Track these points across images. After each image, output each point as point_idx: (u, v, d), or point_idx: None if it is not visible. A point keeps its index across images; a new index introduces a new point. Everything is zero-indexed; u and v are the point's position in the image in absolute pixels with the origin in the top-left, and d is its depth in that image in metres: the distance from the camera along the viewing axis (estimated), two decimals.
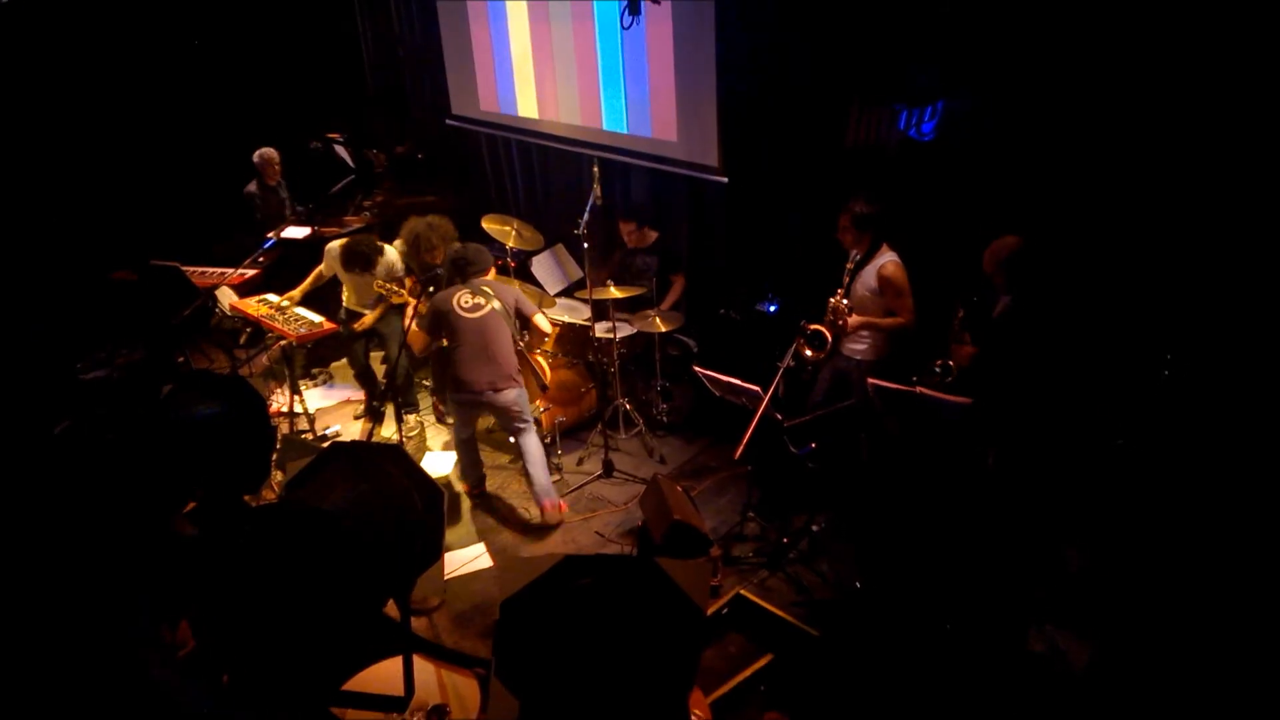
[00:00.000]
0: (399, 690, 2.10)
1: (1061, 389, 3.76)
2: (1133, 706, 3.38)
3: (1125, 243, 4.05)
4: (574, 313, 6.01)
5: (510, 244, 6.02)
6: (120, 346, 6.08)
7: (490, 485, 5.36)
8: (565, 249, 6.90)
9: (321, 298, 5.94)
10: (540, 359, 5.27)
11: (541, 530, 4.97)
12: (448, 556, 4.70)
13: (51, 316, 5.99)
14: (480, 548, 4.84)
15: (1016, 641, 3.76)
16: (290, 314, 5.64)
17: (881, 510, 4.57)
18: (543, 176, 7.75)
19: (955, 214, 4.59)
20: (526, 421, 4.89)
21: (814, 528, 4.60)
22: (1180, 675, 3.31)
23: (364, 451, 1.94)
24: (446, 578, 4.52)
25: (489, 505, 5.24)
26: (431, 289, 4.99)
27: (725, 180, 5.64)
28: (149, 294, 6.02)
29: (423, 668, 2.76)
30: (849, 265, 4.44)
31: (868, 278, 4.44)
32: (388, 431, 5.86)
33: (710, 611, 4.07)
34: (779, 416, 4.28)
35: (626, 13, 4.93)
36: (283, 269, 6.61)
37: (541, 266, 6.68)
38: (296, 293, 5.81)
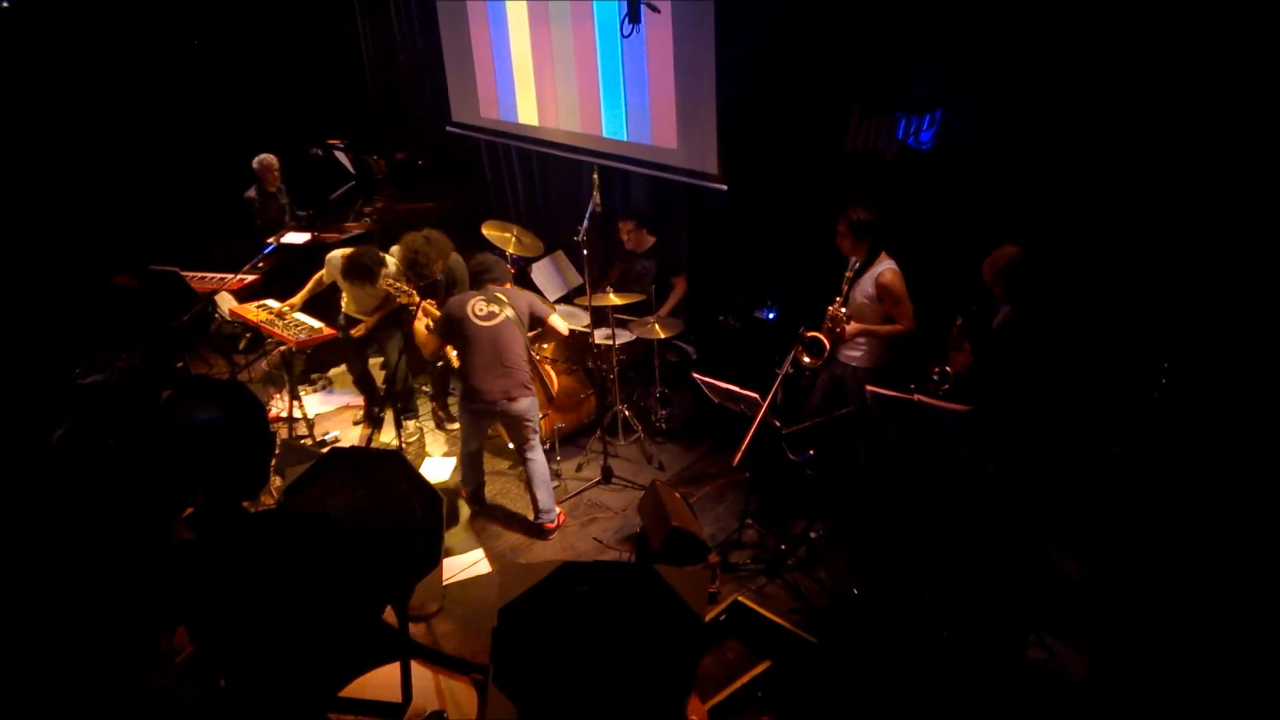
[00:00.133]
0: (397, 696, 2.10)
1: (1060, 398, 3.76)
2: (1129, 715, 3.38)
3: (1124, 252, 4.06)
4: (573, 319, 6.01)
5: (510, 250, 6.02)
6: (119, 351, 6.07)
7: (489, 491, 5.36)
8: (565, 255, 6.91)
9: (321, 303, 5.94)
10: (550, 369, 5.26)
11: (540, 536, 4.97)
12: (446, 562, 4.70)
13: (51, 320, 6.00)
14: (479, 554, 4.84)
15: (1013, 650, 3.76)
16: (290, 319, 5.64)
17: (879, 518, 4.57)
18: (543, 182, 7.77)
19: (954, 222, 4.60)
20: (536, 432, 4.88)
21: (812, 535, 4.60)
22: (1177, 686, 3.30)
23: (363, 457, 1.95)
24: (445, 584, 4.51)
25: (488, 511, 5.23)
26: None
27: (725, 188, 5.65)
28: (148, 299, 6.02)
29: (421, 674, 2.76)
30: (848, 273, 4.45)
31: (866, 285, 4.45)
32: (387, 437, 5.85)
33: (708, 618, 4.07)
34: (777, 423, 4.29)
35: (627, 20, 4.95)
36: (282, 274, 6.61)
37: (541, 273, 6.69)
38: (297, 299, 5.81)
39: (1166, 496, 3.72)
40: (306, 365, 6.84)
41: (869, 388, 3.96)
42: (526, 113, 7.26)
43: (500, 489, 5.45)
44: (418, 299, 5.05)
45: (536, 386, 4.99)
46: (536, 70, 6.97)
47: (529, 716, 1.33)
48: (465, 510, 5.22)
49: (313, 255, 6.37)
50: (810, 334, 4.48)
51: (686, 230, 6.35)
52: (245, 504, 2.15)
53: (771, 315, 5.56)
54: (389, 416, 5.79)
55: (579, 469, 5.63)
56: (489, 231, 6.12)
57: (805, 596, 4.30)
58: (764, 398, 4.17)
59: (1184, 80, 3.73)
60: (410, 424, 6.03)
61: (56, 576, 1.67)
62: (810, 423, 4.49)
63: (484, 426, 5.00)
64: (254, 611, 1.56)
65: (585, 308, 5.57)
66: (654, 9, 5.04)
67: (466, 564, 4.74)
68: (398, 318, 5.70)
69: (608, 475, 5.43)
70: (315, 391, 6.81)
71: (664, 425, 5.97)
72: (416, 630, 4.22)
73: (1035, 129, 4.23)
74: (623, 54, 6.05)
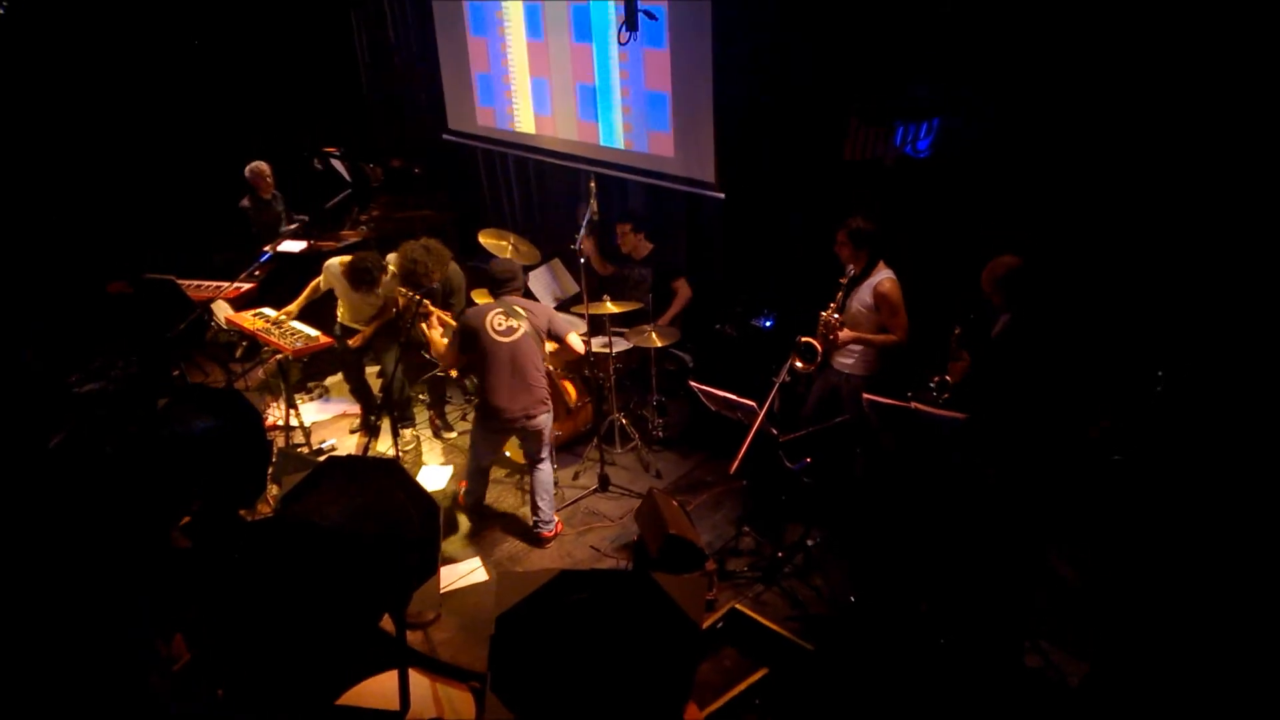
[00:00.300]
0: (394, 705, 2.10)
1: (1060, 406, 3.77)
2: None
3: (1122, 260, 4.07)
4: (571, 327, 6.01)
5: (507, 258, 6.02)
6: (115, 359, 6.06)
7: (487, 499, 5.35)
8: (561, 263, 6.91)
9: (317, 312, 5.94)
10: (568, 384, 5.22)
11: (538, 544, 4.97)
12: (444, 570, 4.69)
13: (46, 327, 5.98)
14: (476, 562, 4.83)
15: (1011, 657, 3.76)
16: (286, 328, 5.64)
17: (876, 525, 4.57)
18: (539, 190, 7.78)
19: (953, 231, 4.62)
20: (549, 447, 4.87)
21: (809, 542, 4.60)
22: (1175, 691, 3.30)
23: (360, 466, 1.95)
24: (442, 591, 4.50)
25: (485, 520, 5.23)
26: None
27: (722, 196, 5.66)
28: (144, 307, 6.01)
29: (418, 682, 2.74)
30: (843, 280, 4.47)
31: (864, 294, 4.46)
32: (383, 446, 5.85)
33: (705, 626, 4.06)
34: (774, 431, 4.29)
35: (624, 29, 4.97)
36: (279, 283, 6.60)
37: (538, 281, 6.69)
38: (293, 307, 5.80)
39: (1165, 502, 3.73)
40: (303, 373, 6.83)
41: (866, 396, 3.97)
42: (523, 121, 7.28)
43: (497, 496, 5.45)
44: (432, 309, 5.04)
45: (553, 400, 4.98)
46: (533, 78, 6.99)
47: None
48: (463, 519, 5.21)
49: (309, 263, 6.37)
50: (804, 339, 4.50)
51: (684, 238, 6.36)
52: (242, 512, 2.15)
53: (768, 324, 5.57)
54: (386, 425, 5.78)
55: (576, 477, 5.62)
56: (486, 239, 6.13)
57: (802, 604, 4.29)
58: (761, 406, 4.17)
59: (1182, 88, 3.75)
60: (407, 432, 6.02)
61: (56, 578, 1.67)
62: (807, 431, 4.49)
63: (500, 442, 4.98)
64: (251, 619, 1.56)
65: (582, 316, 5.57)
66: (651, 17, 5.06)
67: (464, 572, 4.73)
68: (395, 327, 5.70)
69: (605, 483, 5.43)
70: (312, 400, 6.80)
71: (661, 433, 5.97)
72: (414, 638, 4.21)
73: (1032, 137, 4.25)
74: (619, 62, 6.07)
